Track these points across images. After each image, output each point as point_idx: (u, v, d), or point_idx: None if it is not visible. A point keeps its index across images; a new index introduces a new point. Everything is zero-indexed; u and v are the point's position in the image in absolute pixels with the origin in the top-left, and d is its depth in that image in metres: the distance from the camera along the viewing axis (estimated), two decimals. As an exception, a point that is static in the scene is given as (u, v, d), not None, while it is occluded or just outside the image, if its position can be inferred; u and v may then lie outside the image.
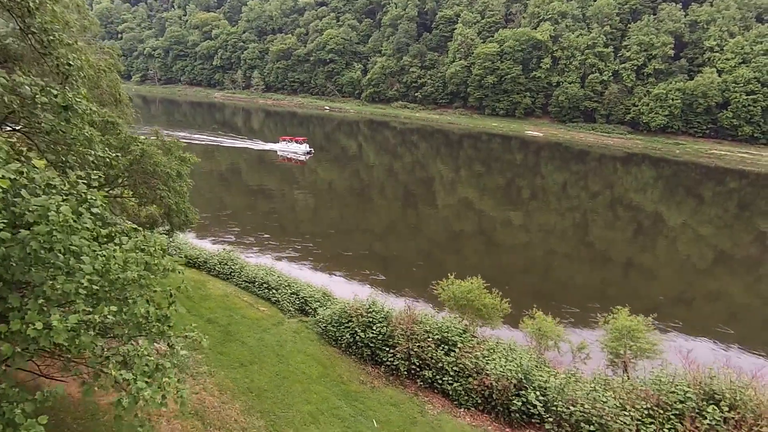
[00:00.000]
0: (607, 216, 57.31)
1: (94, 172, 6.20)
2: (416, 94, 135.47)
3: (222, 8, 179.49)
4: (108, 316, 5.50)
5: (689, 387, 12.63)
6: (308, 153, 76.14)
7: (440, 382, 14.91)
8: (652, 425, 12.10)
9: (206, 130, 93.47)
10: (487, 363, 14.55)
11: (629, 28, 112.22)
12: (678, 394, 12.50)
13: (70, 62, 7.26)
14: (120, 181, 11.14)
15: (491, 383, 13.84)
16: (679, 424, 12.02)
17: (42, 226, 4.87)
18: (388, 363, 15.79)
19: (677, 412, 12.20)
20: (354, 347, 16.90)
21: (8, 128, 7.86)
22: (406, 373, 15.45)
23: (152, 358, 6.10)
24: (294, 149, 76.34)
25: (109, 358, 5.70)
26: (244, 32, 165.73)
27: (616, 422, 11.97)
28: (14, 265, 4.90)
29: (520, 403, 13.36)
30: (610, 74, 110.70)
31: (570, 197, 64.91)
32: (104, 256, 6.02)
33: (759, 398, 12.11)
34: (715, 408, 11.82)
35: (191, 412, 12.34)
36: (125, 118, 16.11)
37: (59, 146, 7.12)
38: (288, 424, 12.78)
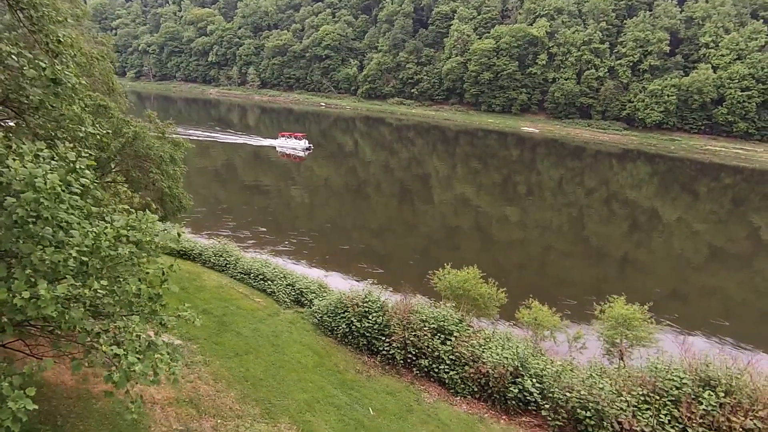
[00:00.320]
0: (603, 212, 57.44)
1: (86, 150, 6.08)
2: (412, 91, 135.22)
3: (217, 4, 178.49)
4: (98, 291, 5.39)
5: (685, 373, 12.64)
6: (307, 149, 75.83)
7: (436, 370, 14.87)
8: (648, 411, 12.09)
9: (201, 126, 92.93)
10: (484, 351, 14.52)
11: (625, 24, 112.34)
12: (674, 381, 12.49)
13: (60, 39, 7.13)
14: (113, 166, 11.00)
15: (487, 371, 13.81)
16: (676, 410, 12.02)
17: (29, 193, 4.76)
18: (384, 352, 15.74)
19: (673, 398, 12.20)
20: (350, 337, 16.83)
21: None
22: (402, 362, 15.40)
23: (144, 336, 6.00)
24: (293, 145, 76.00)
25: (100, 335, 5.60)
26: (239, 28, 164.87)
27: (612, 408, 11.95)
28: (0, 233, 4.79)
29: (516, 390, 13.34)
30: (606, 70, 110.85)
31: (566, 193, 65.01)
32: (94, 232, 5.91)
33: (755, 384, 12.13)
34: (711, 393, 11.82)
35: (186, 400, 12.25)
36: (119, 107, 15.92)
37: (48, 122, 6.99)
38: (283, 411, 12.71)
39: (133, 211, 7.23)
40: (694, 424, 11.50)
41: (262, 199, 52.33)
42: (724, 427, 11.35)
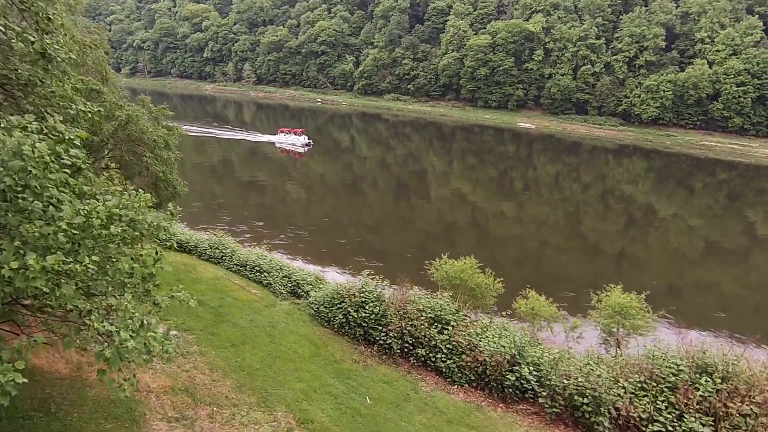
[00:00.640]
0: (599, 207, 57.56)
1: (77, 131, 5.97)
2: (409, 87, 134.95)
3: (212, 0, 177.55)
4: (90, 267, 5.29)
5: (682, 360, 12.64)
6: (307, 145, 75.41)
7: (433, 359, 14.83)
8: (646, 398, 12.09)
9: (200, 123, 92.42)
10: (481, 340, 14.49)
11: (621, 19, 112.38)
12: (671, 368, 12.49)
13: (50, 17, 6.99)
14: (106, 152, 10.86)
15: (485, 359, 13.78)
16: (672, 397, 12.02)
17: (16, 162, 4.65)
18: (381, 342, 15.69)
19: (670, 385, 12.20)
20: (347, 327, 16.77)
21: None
22: (399, 351, 15.35)
23: (137, 315, 5.91)
24: (293, 141, 75.57)
25: (92, 312, 5.50)
26: (234, 24, 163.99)
27: (609, 394, 11.94)
28: (-12, 205, 4.70)
29: (513, 378, 13.31)
30: (602, 66, 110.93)
31: (562, 189, 65.10)
32: (86, 210, 5.81)
33: (752, 370, 12.14)
34: (708, 379, 11.83)
35: (181, 389, 12.17)
36: (113, 93, 15.74)
37: (38, 99, 6.86)
38: (280, 400, 12.64)
39: (126, 194, 7.13)
40: (691, 410, 11.51)
41: (258, 195, 52.20)
42: (721, 413, 11.36)
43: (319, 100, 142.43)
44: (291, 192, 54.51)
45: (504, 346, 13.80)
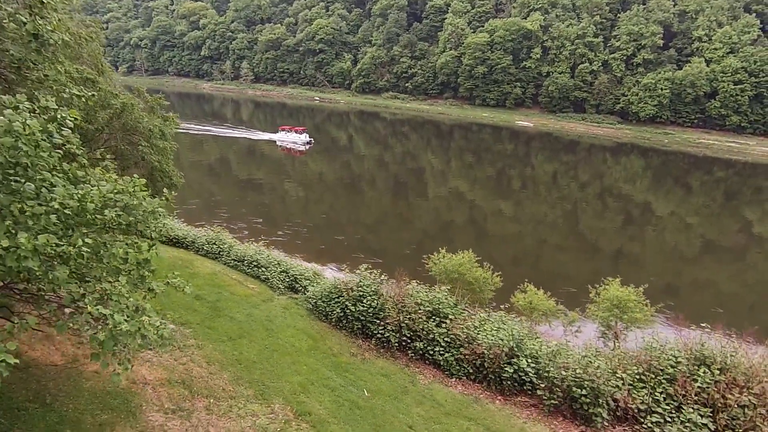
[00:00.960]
0: (597, 206, 57.57)
1: (70, 109, 5.88)
2: (406, 85, 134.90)
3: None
4: (83, 250, 5.21)
5: (680, 352, 12.63)
6: (308, 143, 75.21)
7: (431, 352, 14.78)
8: (644, 389, 12.08)
9: (200, 121, 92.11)
10: (479, 333, 14.44)
11: (619, 17, 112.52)
12: (669, 360, 12.48)
13: (43, 0, 6.91)
14: (101, 143, 10.76)
15: (483, 352, 13.74)
16: (671, 388, 12.01)
17: (7, 138, 4.57)
18: (379, 335, 15.64)
19: (668, 377, 12.19)
20: (344, 321, 16.72)
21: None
22: (397, 345, 15.30)
23: (132, 300, 5.84)
24: (293, 139, 75.37)
25: (86, 296, 5.43)
26: (232, 22, 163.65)
27: (608, 385, 11.92)
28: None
29: (511, 371, 13.27)
30: (600, 64, 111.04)
31: (560, 187, 65.07)
32: (79, 194, 5.74)
33: (750, 361, 12.14)
34: (706, 371, 11.81)
35: (178, 381, 12.09)
36: (108, 84, 15.62)
37: (30, 82, 6.77)
38: (277, 393, 12.58)
39: (121, 180, 7.05)
40: (689, 401, 11.49)
41: (256, 193, 52.06)
42: (719, 404, 11.35)
43: (317, 98, 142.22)
44: (289, 190, 54.38)
45: (502, 339, 13.76)
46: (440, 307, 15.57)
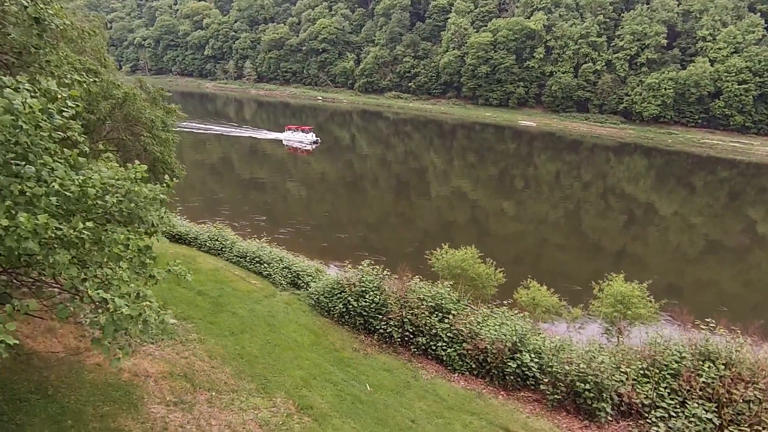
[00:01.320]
0: (600, 205, 57.38)
1: (71, 90, 5.85)
2: (409, 84, 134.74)
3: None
4: (84, 233, 5.18)
5: (684, 347, 12.54)
6: (315, 142, 75.13)
7: (434, 348, 14.72)
8: (648, 384, 11.99)
9: (206, 120, 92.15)
10: (482, 328, 14.38)
11: (622, 17, 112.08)
12: (674, 355, 12.39)
13: (46, -13, 6.89)
14: (104, 134, 10.74)
15: (485, 347, 13.67)
16: (675, 384, 11.92)
17: (6, 116, 4.54)
18: (382, 331, 15.59)
19: (673, 372, 12.10)
20: (347, 317, 16.68)
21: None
22: (399, 340, 15.25)
23: (133, 285, 5.80)
24: (300, 138, 75.31)
25: (86, 280, 5.40)
26: (235, 22, 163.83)
27: (611, 380, 11.84)
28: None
29: (515, 366, 13.20)
30: (603, 64, 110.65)
31: (563, 187, 64.87)
32: (80, 179, 5.71)
33: (756, 356, 12.04)
34: (711, 366, 11.72)
35: (180, 374, 12.07)
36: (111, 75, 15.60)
37: (32, 67, 6.74)
38: (279, 387, 12.54)
39: (122, 168, 7.02)
40: (693, 396, 11.40)
41: (258, 192, 52.08)
42: (724, 399, 11.25)
43: (320, 97, 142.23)
44: (291, 189, 54.37)
45: (505, 334, 13.70)
46: (443, 302, 15.51)
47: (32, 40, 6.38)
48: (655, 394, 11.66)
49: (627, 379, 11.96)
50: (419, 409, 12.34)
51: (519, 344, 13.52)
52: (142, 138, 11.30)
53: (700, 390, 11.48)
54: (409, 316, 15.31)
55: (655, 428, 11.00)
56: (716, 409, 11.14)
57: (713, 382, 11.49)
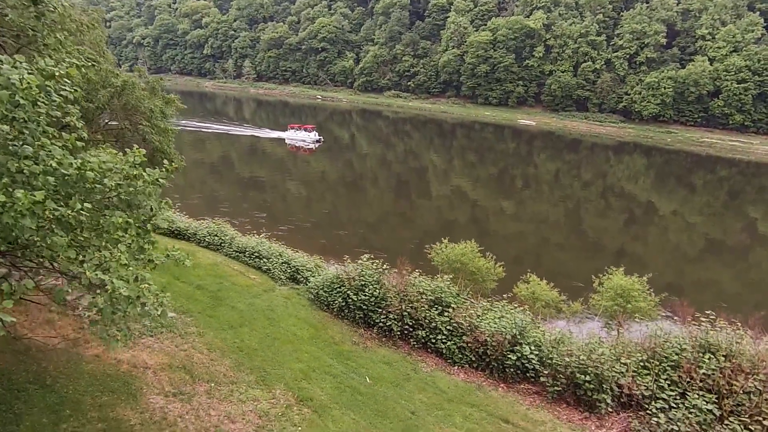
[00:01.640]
0: (599, 204, 57.34)
1: (68, 68, 5.79)
2: (409, 83, 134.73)
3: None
4: (82, 213, 5.14)
5: (684, 339, 12.51)
6: (318, 141, 75.05)
7: (434, 341, 14.68)
8: (648, 376, 11.96)
9: (208, 119, 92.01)
10: (481, 321, 14.35)
11: (622, 16, 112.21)
12: (674, 348, 12.36)
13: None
14: (102, 124, 10.69)
15: (485, 339, 13.64)
16: (675, 375, 11.89)
17: (4, 92, 4.50)
18: (381, 324, 15.54)
19: (673, 363, 12.07)
20: (346, 311, 16.64)
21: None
22: (399, 333, 15.20)
23: (131, 268, 5.76)
24: (303, 137, 75.22)
25: (84, 263, 5.36)
26: (234, 21, 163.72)
27: (612, 371, 11.81)
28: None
29: (514, 358, 13.17)
30: (603, 63, 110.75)
31: (562, 186, 64.85)
32: (79, 162, 5.67)
33: (756, 348, 12.02)
34: (711, 357, 11.70)
35: (179, 366, 12.04)
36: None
37: (30, 48, 6.70)
38: (279, 379, 12.51)
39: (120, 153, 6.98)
40: (694, 387, 11.38)
41: (257, 191, 51.98)
42: (725, 390, 11.23)
43: (319, 97, 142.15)
44: (291, 188, 54.28)
45: (505, 327, 13.66)
46: (443, 296, 15.47)
47: (30, 22, 6.33)
48: (655, 385, 11.64)
49: (627, 370, 11.93)
50: (419, 401, 12.31)
51: (519, 337, 13.49)
52: (140, 127, 11.25)
53: (701, 381, 11.46)
54: (408, 310, 15.26)
55: (656, 419, 10.97)
56: (716, 401, 11.11)
57: (713, 374, 11.46)
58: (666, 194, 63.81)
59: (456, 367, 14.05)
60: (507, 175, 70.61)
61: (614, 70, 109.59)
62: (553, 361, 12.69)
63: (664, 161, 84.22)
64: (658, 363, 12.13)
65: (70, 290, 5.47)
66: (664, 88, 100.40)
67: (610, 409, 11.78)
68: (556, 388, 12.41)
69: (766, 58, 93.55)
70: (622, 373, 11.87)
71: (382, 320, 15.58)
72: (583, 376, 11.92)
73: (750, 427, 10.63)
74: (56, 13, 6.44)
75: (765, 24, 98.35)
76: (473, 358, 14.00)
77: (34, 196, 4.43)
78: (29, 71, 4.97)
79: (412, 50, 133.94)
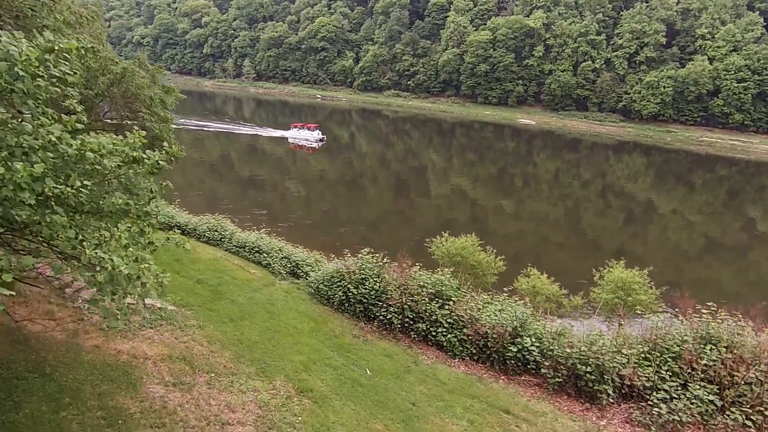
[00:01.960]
0: (599, 204, 57.33)
1: (68, 42, 5.75)
2: (408, 83, 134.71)
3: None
4: (81, 191, 5.10)
5: (686, 331, 12.49)
6: (321, 140, 74.97)
7: (434, 334, 14.66)
8: (649, 368, 11.93)
9: (209, 117, 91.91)
10: (482, 314, 14.32)
11: (621, 15, 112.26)
12: (675, 339, 12.34)
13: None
14: (102, 114, 10.65)
15: (486, 332, 13.61)
16: (677, 367, 11.87)
17: (3, 63, 4.46)
18: (382, 317, 15.52)
19: (674, 355, 12.05)
20: (346, 304, 16.61)
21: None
22: (399, 326, 15.18)
23: (132, 248, 5.73)
24: (306, 136, 75.15)
25: (84, 241, 5.32)
26: (234, 20, 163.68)
27: (613, 363, 11.78)
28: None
29: (515, 350, 13.14)
30: (603, 62, 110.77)
31: (562, 185, 64.82)
32: (78, 142, 5.63)
33: (757, 339, 12.00)
34: (713, 348, 11.67)
35: (179, 357, 12.00)
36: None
37: (29, 28, 6.66)
38: (279, 371, 12.48)
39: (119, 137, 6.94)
40: (695, 378, 11.35)
41: (257, 190, 51.93)
42: (726, 381, 11.20)
43: (319, 96, 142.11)
44: (290, 187, 54.22)
45: (506, 319, 13.64)
46: (443, 289, 15.44)
47: (28, 1, 6.31)
48: (656, 376, 11.61)
49: (628, 361, 11.91)
50: (419, 393, 12.28)
51: (520, 329, 13.46)
52: (140, 115, 11.22)
53: (702, 372, 11.44)
54: (409, 303, 15.25)
55: (657, 410, 10.94)
56: (718, 391, 11.10)
57: (715, 365, 11.44)
58: (666, 193, 63.82)
59: (457, 360, 14.03)
60: (507, 174, 70.59)
61: (614, 70, 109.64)
62: (554, 352, 12.67)
63: (664, 160, 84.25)
64: (659, 354, 12.11)
65: (69, 269, 5.44)
66: (664, 87, 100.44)
67: (611, 400, 11.75)
68: (557, 379, 12.39)
69: (766, 57, 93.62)
70: (624, 364, 11.85)
71: (382, 313, 15.56)
72: (584, 367, 11.89)
73: (751, 417, 10.61)
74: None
75: (765, 23, 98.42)
76: (474, 351, 13.97)
77: (33, 168, 4.40)
78: (29, 45, 4.94)
79: (411, 50, 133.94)
